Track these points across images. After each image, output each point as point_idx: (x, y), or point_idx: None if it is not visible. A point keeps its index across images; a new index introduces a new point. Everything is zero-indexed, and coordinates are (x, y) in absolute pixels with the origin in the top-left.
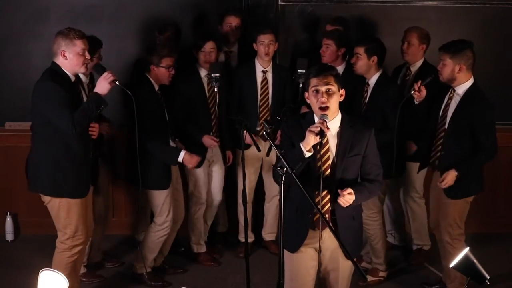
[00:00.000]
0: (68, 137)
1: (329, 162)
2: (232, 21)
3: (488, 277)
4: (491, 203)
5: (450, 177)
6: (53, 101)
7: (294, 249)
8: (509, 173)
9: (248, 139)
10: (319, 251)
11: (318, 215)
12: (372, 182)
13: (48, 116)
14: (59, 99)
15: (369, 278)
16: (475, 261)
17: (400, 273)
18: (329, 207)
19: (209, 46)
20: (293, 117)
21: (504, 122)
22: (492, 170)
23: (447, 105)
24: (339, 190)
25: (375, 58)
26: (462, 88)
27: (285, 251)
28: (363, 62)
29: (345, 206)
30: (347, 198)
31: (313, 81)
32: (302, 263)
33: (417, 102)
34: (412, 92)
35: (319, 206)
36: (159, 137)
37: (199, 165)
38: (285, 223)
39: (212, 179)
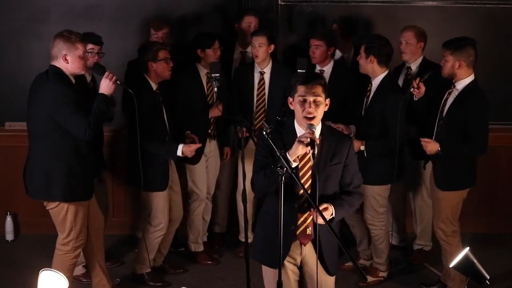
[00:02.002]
0: (78, 141)
1: (311, 171)
2: (252, 21)
3: (488, 277)
4: (491, 203)
5: (433, 144)
6: (67, 105)
7: (276, 264)
8: (509, 173)
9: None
10: (301, 267)
11: (301, 229)
12: (351, 194)
13: (61, 120)
14: (72, 103)
15: (369, 278)
16: (475, 261)
17: (400, 273)
18: (311, 220)
19: (217, 43)
20: (272, 127)
21: (504, 122)
22: (492, 170)
23: (446, 100)
24: (312, 210)
25: (372, 58)
26: (461, 84)
27: (264, 267)
28: (362, 61)
29: (323, 223)
30: (323, 215)
31: (300, 89)
32: (284, 279)
33: (416, 99)
34: (412, 89)
35: (302, 219)
36: (156, 137)
37: (196, 160)
38: (263, 238)
39: (208, 173)
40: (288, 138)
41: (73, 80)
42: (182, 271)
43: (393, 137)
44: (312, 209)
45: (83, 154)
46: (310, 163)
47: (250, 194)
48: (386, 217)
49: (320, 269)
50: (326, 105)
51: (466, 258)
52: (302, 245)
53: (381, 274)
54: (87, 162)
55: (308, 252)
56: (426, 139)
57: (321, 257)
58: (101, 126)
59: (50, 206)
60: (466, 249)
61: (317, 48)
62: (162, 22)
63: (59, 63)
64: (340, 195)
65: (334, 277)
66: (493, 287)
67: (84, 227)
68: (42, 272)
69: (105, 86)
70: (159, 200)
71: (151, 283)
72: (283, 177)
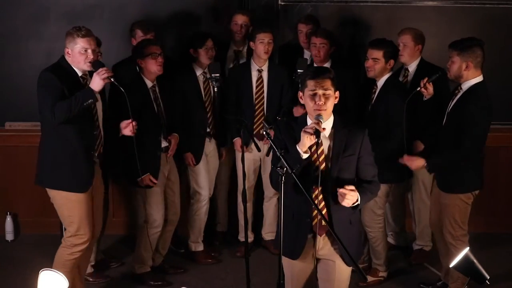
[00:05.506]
0: (66, 130)
1: (324, 164)
2: (238, 20)
3: (488, 277)
4: (491, 203)
5: (417, 161)
6: (42, 88)
7: (295, 256)
8: (509, 173)
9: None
10: (316, 258)
11: (316, 220)
12: (371, 183)
13: (38, 103)
14: (48, 87)
15: (369, 278)
16: (475, 261)
17: (400, 273)
18: (326, 211)
19: (210, 43)
20: (284, 121)
21: (504, 122)
22: (492, 170)
23: (453, 101)
24: (339, 190)
25: (391, 62)
26: (467, 85)
27: (283, 257)
28: (380, 66)
29: (348, 205)
30: (350, 196)
31: (310, 83)
32: (300, 269)
33: (425, 99)
34: (418, 89)
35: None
36: (146, 136)
37: (196, 161)
38: (283, 230)
39: (208, 173)
40: (300, 132)
41: (79, 73)
42: (182, 271)
43: (396, 139)
44: (338, 190)
45: (71, 144)
46: (323, 155)
47: (249, 194)
48: (383, 219)
49: (338, 259)
50: (336, 97)
51: (466, 258)
52: (318, 236)
53: (381, 274)
54: (76, 154)
55: (325, 244)
56: (407, 157)
57: (342, 245)
58: (70, 114)
59: (49, 194)
60: (466, 249)
61: (323, 46)
62: (149, 26)
63: (66, 57)
64: (361, 184)
65: (350, 268)
66: (493, 287)
67: (84, 225)
68: (42, 272)
69: (94, 82)
70: (152, 197)
71: (151, 283)
72: (283, 177)
